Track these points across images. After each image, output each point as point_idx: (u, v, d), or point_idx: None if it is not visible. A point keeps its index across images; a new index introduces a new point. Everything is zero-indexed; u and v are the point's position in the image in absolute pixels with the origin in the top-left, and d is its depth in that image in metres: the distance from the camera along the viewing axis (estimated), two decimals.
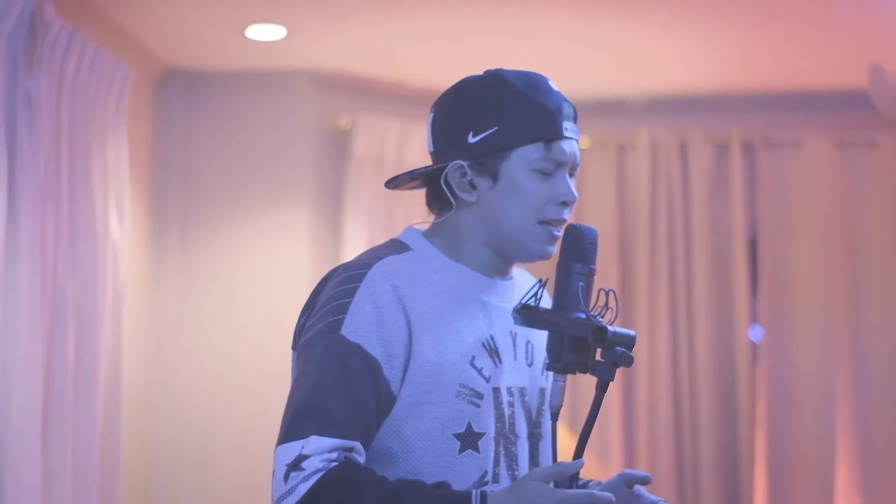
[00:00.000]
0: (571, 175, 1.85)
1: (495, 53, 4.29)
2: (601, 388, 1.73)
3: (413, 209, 4.65)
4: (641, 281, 4.80)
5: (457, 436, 1.77)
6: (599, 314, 1.75)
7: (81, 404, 3.52)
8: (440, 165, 1.84)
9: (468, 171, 1.82)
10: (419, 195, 1.95)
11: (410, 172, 1.90)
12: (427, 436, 1.75)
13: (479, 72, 1.90)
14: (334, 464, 1.67)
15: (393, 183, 1.92)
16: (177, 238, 4.63)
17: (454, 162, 1.82)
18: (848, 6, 3.96)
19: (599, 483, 1.94)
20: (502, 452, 1.80)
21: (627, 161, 4.94)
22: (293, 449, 1.68)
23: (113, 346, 3.78)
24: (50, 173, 3.32)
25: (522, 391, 1.85)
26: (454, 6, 3.95)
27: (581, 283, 1.76)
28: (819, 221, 4.79)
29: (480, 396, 1.78)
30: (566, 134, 1.82)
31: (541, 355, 1.87)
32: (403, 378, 1.75)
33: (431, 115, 1.89)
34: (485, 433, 1.78)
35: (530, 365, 1.88)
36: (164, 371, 4.56)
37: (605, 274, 4.74)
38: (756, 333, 4.86)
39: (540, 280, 1.85)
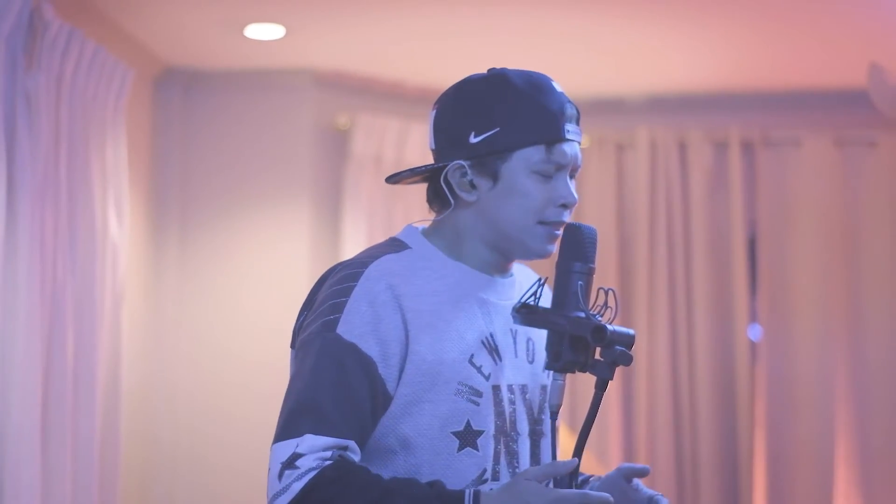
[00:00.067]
0: (572, 177, 1.85)
1: (494, 53, 4.28)
2: (600, 387, 1.73)
3: (412, 208, 4.65)
4: (640, 280, 4.80)
5: (455, 434, 1.77)
6: (599, 313, 1.75)
7: (80, 404, 3.52)
8: (441, 164, 1.84)
9: (469, 171, 1.82)
10: (418, 195, 1.95)
11: (412, 170, 1.90)
12: (426, 434, 1.76)
13: (479, 71, 1.89)
14: (328, 462, 1.68)
15: (394, 179, 1.92)
16: (176, 237, 4.63)
17: (455, 162, 1.82)
18: (847, 5, 3.96)
19: (599, 478, 1.94)
20: (503, 450, 1.80)
21: (626, 160, 4.93)
22: (288, 447, 1.69)
23: (112, 345, 3.78)
24: (49, 173, 3.32)
25: (524, 388, 1.85)
26: (453, 5, 3.95)
27: (580, 282, 1.76)
28: (818, 220, 4.79)
29: (480, 394, 1.79)
30: (568, 136, 1.81)
31: (542, 352, 1.87)
32: (400, 377, 1.75)
33: (434, 112, 1.88)
34: (484, 431, 1.78)
35: (531, 362, 1.88)
36: (163, 370, 4.56)
37: (605, 273, 4.74)
38: (755, 332, 4.86)
39: (539, 279, 1.85)
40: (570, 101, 1.84)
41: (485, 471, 1.78)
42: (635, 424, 4.76)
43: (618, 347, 1.71)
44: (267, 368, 4.45)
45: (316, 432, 1.68)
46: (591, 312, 1.74)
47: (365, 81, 4.76)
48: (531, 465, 1.84)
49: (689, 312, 4.81)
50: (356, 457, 1.72)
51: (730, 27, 4.15)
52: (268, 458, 1.72)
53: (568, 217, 1.84)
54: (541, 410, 1.87)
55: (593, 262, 1.78)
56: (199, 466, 4.54)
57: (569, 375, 1.77)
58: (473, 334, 1.81)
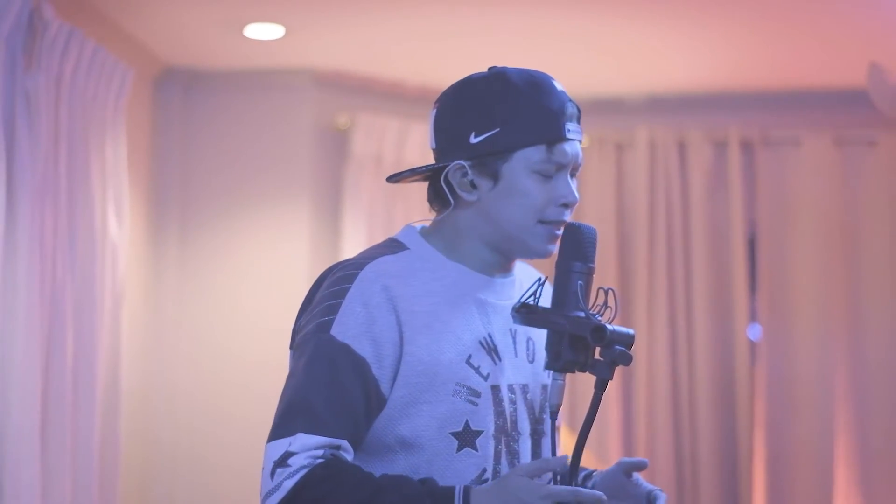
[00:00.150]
0: (573, 176, 1.85)
1: (494, 52, 4.28)
2: (600, 387, 1.73)
3: (412, 208, 4.65)
4: (640, 279, 4.80)
5: (454, 434, 1.77)
6: (598, 313, 1.75)
7: (80, 404, 3.52)
8: (442, 164, 1.84)
9: (469, 172, 1.82)
10: (418, 195, 1.95)
11: (413, 170, 1.90)
12: (424, 434, 1.76)
13: (479, 71, 1.89)
14: (319, 461, 1.69)
15: (395, 179, 1.92)
16: (176, 237, 4.63)
17: (455, 162, 1.82)
18: (846, 5, 3.96)
19: (602, 472, 1.94)
20: (503, 449, 1.80)
21: (626, 160, 4.94)
22: (280, 446, 1.69)
23: (112, 345, 3.78)
24: (49, 173, 3.32)
25: (524, 388, 1.85)
26: (453, 5, 3.95)
27: (580, 282, 1.76)
28: (818, 220, 4.79)
29: (478, 395, 1.79)
30: (568, 136, 1.81)
31: (542, 352, 1.87)
32: (395, 378, 1.75)
33: (434, 111, 1.88)
34: (483, 431, 1.79)
35: (532, 362, 1.88)
36: (163, 370, 4.56)
37: (604, 272, 4.74)
38: (755, 332, 4.86)
39: (539, 279, 1.85)
40: (570, 100, 1.83)
41: (484, 470, 1.78)
42: (635, 424, 4.76)
43: (617, 347, 1.70)
44: (267, 368, 4.44)
45: (308, 431, 1.69)
46: (590, 312, 1.74)
47: (365, 81, 4.76)
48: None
49: (688, 312, 4.81)
50: (349, 456, 1.72)
51: (729, 27, 4.15)
52: None
53: (569, 216, 1.84)
54: (542, 410, 1.87)
55: (593, 261, 1.78)
56: (198, 466, 4.54)
57: (568, 375, 1.77)
58: (471, 335, 1.81)
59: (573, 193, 1.82)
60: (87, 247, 3.56)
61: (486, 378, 1.80)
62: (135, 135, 4.23)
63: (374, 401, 1.75)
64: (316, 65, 4.62)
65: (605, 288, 1.77)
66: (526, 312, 1.79)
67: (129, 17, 4.04)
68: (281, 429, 1.71)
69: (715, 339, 4.79)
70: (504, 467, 1.80)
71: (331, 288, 1.79)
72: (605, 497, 1.67)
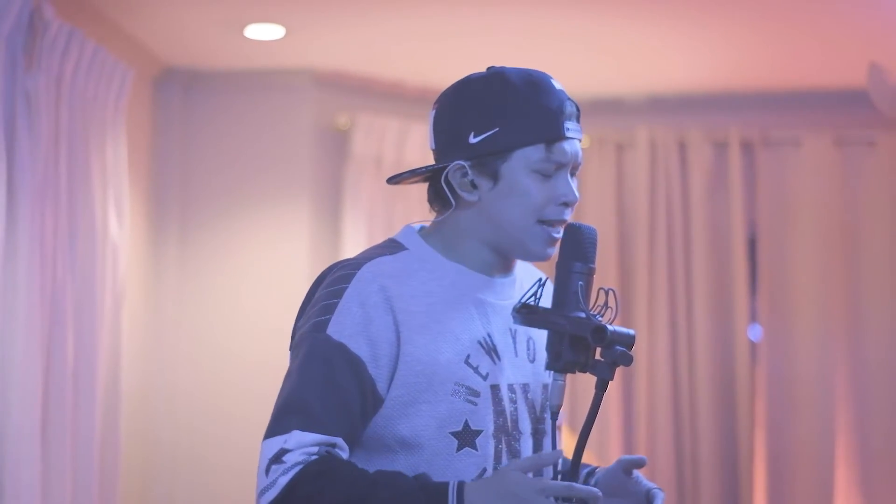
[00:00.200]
0: (573, 175, 1.85)
1: (494, 53, 4.28)
2: (601, 388, 1.73)
3: (412, 208, 4.65)
4: (641, 280, 4.80)
5: (454, 434, 1.77)
6: (599, 313, 1.75)
7: (81, 404, 3.52)
8: (441, 165, 1.84)
9: (469, 172, 1.82)
10: (419, 195, 1.96)
11: (413, 171, 1.90)
12: (423, 434, 1.76)
13: (479, 71, 1.89)
14: (314, 457, 1.69)
15: (395, 179, 1.92)
16: (176, 237, 4.63)
17: (455, 162, 1.82)
18: (846, 5, 3.96)
19: (602, 469, 1.94)
20: (504, 449, 1.80)
21: (626, 160, 4.94)
22: (276, 443, 1.70)
23: (112, 345, 3.78)
24: (49, 173, 3.32)
25: (525, 387, 1.85)
26: (453, 5, 3.95)
27: (580, 283, 1.76)
28: (818, 220, 4.79)
29: (477, 394, 1.79)
30: (568, 134, 1.81)
31: (543, 352, 1.87)
32: (393, 378, 1.76)
33: (434, 112, 1.88)
34: (483, 430, 1.79)
35: (532, 361, 1.88)
36: (163, 370, 4.56)
37: (605, 273, 4.74)
38: (755, 332, 4.86)
39: (540, 279, 1.85)
40: (569, 99, 1.83)
41: (484, 470, 1.78)
42: (635, 424, 4.76)
43: (618, 348, 1.70)
44: (267, 368, 4.43)
45: (304, 429, 1.70)
46: (591, 313, 1.74)
47: (365, 81, 4.76)
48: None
49: (689, 312, 4.81)
50: (344, 454, 1.73)
51: (729, 27, 4.15)
52: None
53: (569, 215, 1.84)
54: (543, 409, 1.87)
55: (593, 262, 1.78)
56: (198, 466, 4.54)
57: (569, 376, 1.77)
58: (469, 335, 1.81)
59: (573, 192, 1.82)
60: (87, 247, 3.56)
61: (485, 378, 1.80)
62: (135, 135, 4.23)
63: (369, 400, 1.75)
64: (316, 65, 4.62)
65: (606, 288, 1.77)
66: (526, 313, 1.79)
67: (130, 17, 4.05)
68: (276, 426, 1.71)
69: (715, 340, 4.79)
70: None
71: (328, 288, 1.79)
72: (599, 493, 1.68)
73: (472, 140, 1.81)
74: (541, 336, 1.86)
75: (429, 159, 1.90)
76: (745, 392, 4.74)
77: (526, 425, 1.84)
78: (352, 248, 4.51)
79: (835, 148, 4.80)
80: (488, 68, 1.88)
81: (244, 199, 4.66)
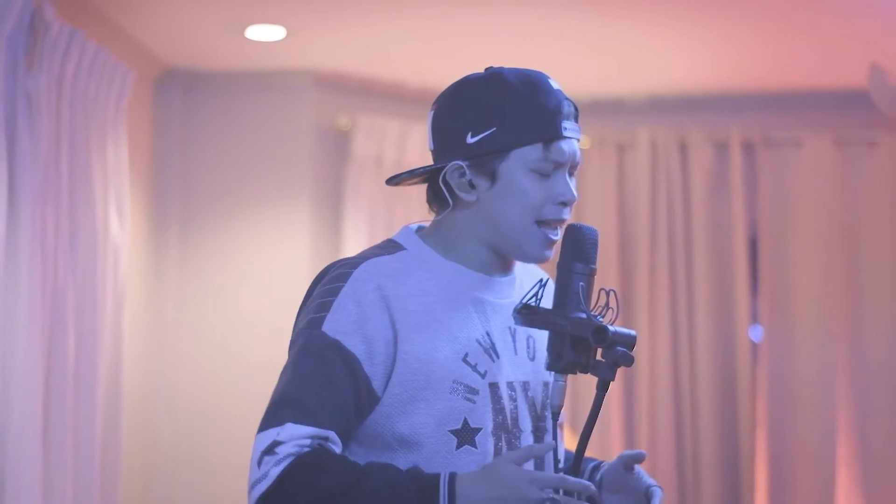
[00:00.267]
0: (571, 174, 1.85)
1: (494, 53, 4.28)
2: (602, 388, 1.73)
3: (413, 209, 4.65)
4: (642, 280, 4.80)
5: (453, 432, 1.77)
6: (600, 314, 1.75)
7: (82, 404, 3.52)
8: (439, 165, 1.84)
9: (467, 172, 1.82)
10: (419, 196, 1.96)
11: (411, 171, 1.90)
12: (422, 432, 1.76)
13: (479, 72, 1.89)
14: (307, 449, 1.69)
15: (394, 180, 1.93)
16: (177, 238, 4.63)
17: (453, 162, 1.82)
18: (847, 5, 3.96)
19: (608, 464, 1.95)
20: (504, 447, 1.80)
21: (627, 161, 4.94)
22: (269, 436, 1.71)
23: (113, 345, 3.79)
24: (50, 173, 3.32)
25: (525, 385, 1.85)
26: (454, 6, 3.95)
27: (581, 283, 1.76)
28: (819, 220, 4.79)
29: (475, 392, 1.79)
30: (565, 134, 1.81)
31: (543, 350, 1.87)
32: (390, 376, 1.76)
33: (432, 112, 1.89)
34: (482, 428, 1.79)
35: (532, 359, 1.88)
36: (164, 370, 4.56)
37: (606, 273, 4.74)
38: (756, 333, 4.86)
39: (541, 280, 1.85)
40: (567, 99, 1.83)
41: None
42: (637, 425, 4.76)
43: (619, 348, 1.71)
44: (267, 368, 4.41)
45: (297, 422, 1.70)
46: (592, 313, 1.74)
47: (365, 82, 4.76)
48: (534, 462, 1.84)
49: (690, 313, 4.81)
50: (337, 448, 1.73)
51: (730, 28, 4.15)
52: None
53: (568, 215, 1.84)
54: (544, 407, 1.88)
55: (594, 262, 1.78)
56: (199, 466, 4.54)
57: (570, 376, 1.77)
58: (467, 333, 1.81)
59: (571, 191, 1.82)
60: (88, 247, 3.56)
61: (483, 375, 1.80)
62: (136, 135, 4.23)
63: (364, 396, 1.75)
64: (317, 66, 4.62)
65: (607, 289, 1.77)
66: (527, 313, 1.79)
67: (131, 18, 4.05)
68: (270, 420, 1.72)
69: (716, 340, 4.79)
70: None
71: (325, 286, 1.80)
72: (592, 486, 1.68)
73: (470, 140, 1.81)
74: (541, 335, 1.87)
75: (429, 160, 1.90)
76: (746, 392, 4.74)
77: (526, 423, 1.84)
78: (352, 248, 4.51)
79: (836, 148, 4.80)
80: (486, 69, 1.88)
81: (245, 199, 4.66)
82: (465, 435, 1.78)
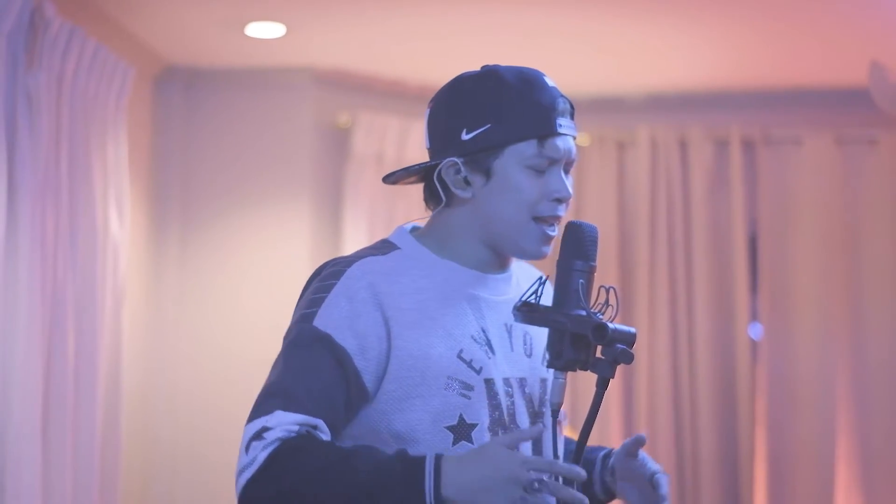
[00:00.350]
0: (567, 171, 1.85)
1: (495, 51, 4.28)
2: (601, 386, 1.73)
3: (413, 206, 4.65)
4: (641, 278, 4.80)
5: (450, 428, 1.77)
6: (600, 311, 1.75)
7: (81, 403, 3.52)
8: (435, 162, 1.84)
9: (462, 168, 1.82)
10: (419, 193, 1.95)
11: (407, 169, 1.91)
12: (418, 429, 1.77)
13: (480, 68, 1.90)
14: (294, 434, 1.69)
15: (391, 179, 1.93)
16: (177, 235, 4.63)
17: (448, 159, 1.83)
18: (847, 4, 3.96)
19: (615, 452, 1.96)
20: None
21: (627, 158, 4.94)
22: (257, 424, 1.71)
23: (113, 344, 3.78)
24: (50, 171, 3.32)
25: (522, 382, 1.85)
26: (454, 4, 3.95)
27: (581, 281, 1.76)
28: (819, 219, 4.79)
29: (471, 388, 1.79)
30: (560, 130, 1.81)
31: (540, 346, 1.88)
32: (385, 373, 1.76)
33: (428, 111, 1.89)
34: (478, 424, 1.79)
35: (529, 356, 1.88)
36: (164, 369, 4.56)
37: (605, 271, 4.74)
38: (756, 331, 4.86)
39: (540, 278, 1.85)
40: (563, 96, 1.83)
41: None
42: (636, 423, 4.76)
43: (619, 346, 1.71)
44: (267, 367, 4.39)
45: (286, 409, 1.70)
46: (592, 311, 1.74)
47: (365, 80, 4.76)
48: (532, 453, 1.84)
49: (689, 311, 4.81)
50: (325, 437, 1.73)
51: (730, 26, 4.15)
52: None
53: (563, 212, 1.84)
54: (541, 404, 1.87)
55: (594, 260, 1.78)
56: (199, 465, 4.54)
57: (569, 374, 1.77)
58: (462, 329, 1.81)
59: (566, 188, 1.83)
60: (88, 245, 3.56)
61: (478, 372, 1.80)
62: (136, 133, 4.23)
63: (354, 390, 1.75)
64: (317, 63, 4.62)
65: (607, 286, 1.77)
66: (527, 311, 1.79)
67: (131, 15, 4.04)
68: (259, 409, 1.73)
69: (716, 338, 4.79)
70: None
71: (318, 283, 1.81)
72: (582, 472, 1.66)
73: (465, 136, 1.82)
74: (538, 331, 1.87)
75: (428, 157, 1.90)
76: (745, 391, 4.74)
77: (524, 419, 1.84)
78: (352, 246, 4.50)
79: (836, 146, 4.80)
80: (482, 67, 1.88)
81: (245, 197, 4.66)
82: (462, 431, 1.78)
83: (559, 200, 1.83)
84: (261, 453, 1.68)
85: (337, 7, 3.98)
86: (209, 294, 4.64)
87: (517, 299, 1.82)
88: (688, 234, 4.85)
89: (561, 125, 1.81)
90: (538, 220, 1.82)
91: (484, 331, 1.83)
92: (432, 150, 1.88)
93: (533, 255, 1.85)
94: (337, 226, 4.67)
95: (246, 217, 4.66)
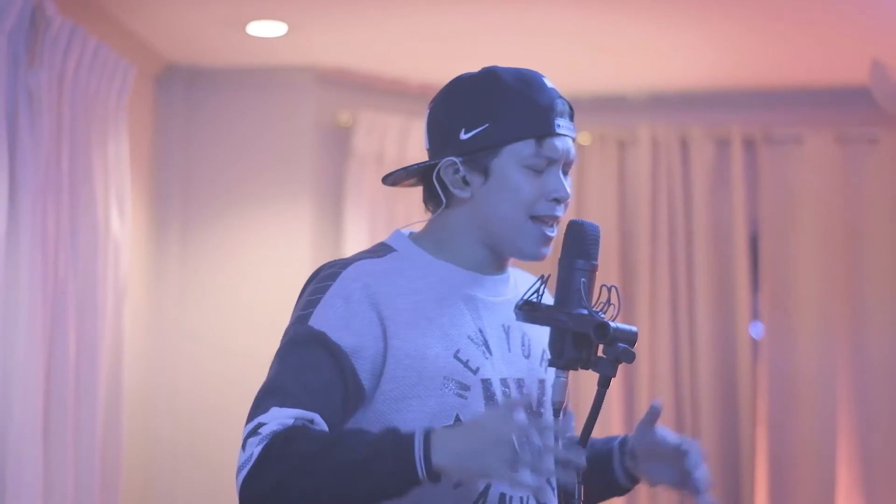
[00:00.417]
0: (566, 173, 1.85)
1: (496, 50, 4.29)
2: (603, 384, 1.74)
3: (414, 206, 4.61)
4: (642, 277, 4.80)
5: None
6: (601, 310, 1.75)
7: (82, 401, 3.52)
8: (433, 162, 1.85)
9: (460, 168, 1.83)
10: (420, 193, 1.95)
11: (405, 168, 1.91)
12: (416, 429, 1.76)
13: (479, 69, 1.90)
14: (288, 426, 1.68)
15: (389, 179, 1.94)
16: (178, 234, 4.63)
17: (447, 159, 1.83)
18: (848, 2, 3.96)
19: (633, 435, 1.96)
20: None
21: (628, 157, 4.93)
22: (254, 423, 1.71)
23: (114, 343, 3.78)
24: (51, 170, 3.32)
25: (520, 382, 1.85)
26: (455, 3, 3.95)
27: (583, 280, 1.76)
28: (820, 217, 4.78)
29: (467, 388, 1.79)
30: (558, 130, 1.82)
31: (538, 347, 1.88)
32: (381, 373, 1.76)
33: (428, 111, 1.90)
34: None
35: (527, 357, 1.88)
36: (165, 368, 4.56)
37: (607, 270, 4.73)
38: (757, 330, 4.86)
39: (542, 276, 1.85)
40: (561, 97, 1.84)
41: None
42: (637, 422, 4.74)
43: (620, 344, 1.71)
44: (268, 366, 4.44)
45: (282, 405, 1.70)
46: (593, 309, 1.75)
47: (367, 79, 4.76)
48: None
49: (690, 310, 4.81)
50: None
51: (731, 25, 4.15)
52: None
53: (562, 212, 1.84)
54: (539, 404, 1.87)
55: (596, 259, 1.78)
56: (200, 464, 4.54)
57: (571, 372, 1.77)
58: (458, 330, 1.81)
59: (564, 188, 1.83)
60: (89, 244, 3.56)
61: (475, 372, 1.80)
62: (137, 132, 4.23)
63: (351, 388, 1.75)
64: (318, 62, 4.62)
65: (608, 285, 1.77)
66: (529, 310, 1.79)
67: (132, 14, 4.05)
68: (255, 410, 1.73)
69: (717, 337, 4.79)
70: None
71: (314, 285, 1.82)
72: (576, 440, 1.68)
73: (463, 136, 1.82)
74: (536, 332, 1.87)
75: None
76: (746, 390, 4.73)
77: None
78: (353, 245, 4.50)
79: (837, 145, 4.80)
80: (481, 67, 1.89)
81: (246, 196, 4.66)
82: None
83: (557, 200, 1.83)
84: (256, 448, 1.68)
85: (338, 6, 3.98)
86: (210, 293, 4.64)
87: (515, 300, 1.82)
88: (689, 232, 4.85)
89: (559, 125, 1.82)
90: (536, 219, 1.82)
91: (481, 331, 1.83)
92: (431, 150, 1.88)
93: (531, 256, 1.85)
94: (338, 224, 4.67)
95: (247, 216, 4.66)
